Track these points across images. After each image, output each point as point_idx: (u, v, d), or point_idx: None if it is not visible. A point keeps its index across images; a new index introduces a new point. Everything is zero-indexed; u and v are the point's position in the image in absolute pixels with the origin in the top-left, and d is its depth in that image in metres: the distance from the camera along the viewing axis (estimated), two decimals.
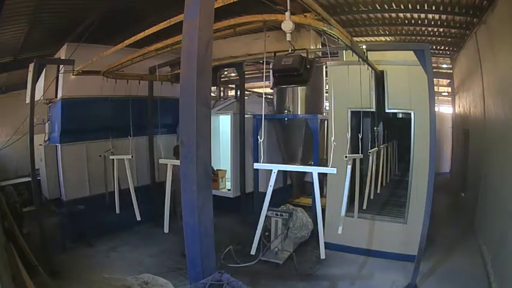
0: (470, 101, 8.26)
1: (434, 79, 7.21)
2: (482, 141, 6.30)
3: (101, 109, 5.74)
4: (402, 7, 6.30)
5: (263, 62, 9.93)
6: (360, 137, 4.62)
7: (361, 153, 4.87)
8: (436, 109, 12.43)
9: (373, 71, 5.20)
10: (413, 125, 5.25)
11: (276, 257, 5.32)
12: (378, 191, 6.09)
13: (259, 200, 7.01)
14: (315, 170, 2.87)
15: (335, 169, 2.95)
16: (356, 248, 5.57)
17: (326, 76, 6.79)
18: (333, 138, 3.48)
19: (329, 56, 5.29)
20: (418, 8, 6.27)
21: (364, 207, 5.36)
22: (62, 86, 6.11)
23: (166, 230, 3.94)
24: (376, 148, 5.30)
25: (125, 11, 6.03)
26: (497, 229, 4.55)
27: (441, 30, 7.60)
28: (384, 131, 6.54)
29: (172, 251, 5.77)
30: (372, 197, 5.69)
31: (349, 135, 5.36)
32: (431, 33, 7.88)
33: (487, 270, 4.72)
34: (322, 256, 3.45)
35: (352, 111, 5.59)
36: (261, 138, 3.06)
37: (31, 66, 5.25)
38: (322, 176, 7.19)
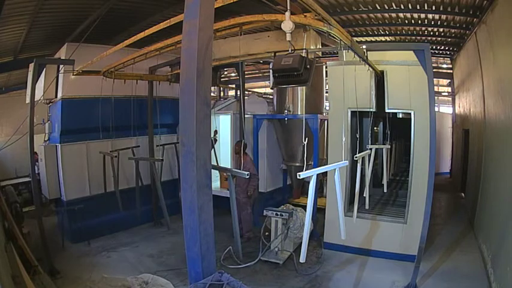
0: (470, 101, 8.27)
1: (434, 79, 7.20)
2: (482, 141, 6.30)
3: (101, 109, 5.74)
4: (402, 7, 6.31)
5: (263, 61, 9.97)
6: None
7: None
8: (436, 109, 12.48)
9: (373, 71, 5.20)
10: (413, 125, 5.24)
11: (276, 257, 5.32)
12: (366, 206, 5.83)
13: (259, 200, 7.02)
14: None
15: None
16: (356, 248, 5.57)
17: (326, 76, 6.79)
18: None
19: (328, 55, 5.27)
20: (418, 8, 6.27)
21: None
22: (62, 86, 6.12)
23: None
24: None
25: (125, 10, 6.03)
26: (497, 229, 4.55)
27: (441, 30, 7.60)
28: (388, 131, 6.53)
29: (172, 251, 5.77)
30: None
31: (349, 135, 5.38)
32: (431, 33, 7.89)
33: (487, 270, 4.72)
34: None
35: (352, 111, 5.59)
36: None
37: (31, 66, 5.25)
38: (322, 176, 7.23)
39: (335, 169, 3.45)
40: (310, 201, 3.09)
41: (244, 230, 6.20)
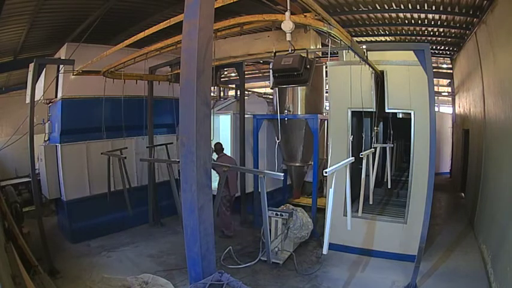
0: (470, 101, 8.27)
1: (434, 79, 7.20)
2: (482, 141, 6.30)
3: (101, 109, 5.75)
4: (402, 7, 6.30)
5: (263, 61, 9.96)
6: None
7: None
8: (436, 109, 12.47)
9: (373, 71, 5.20)
10: (413, 125, 5.25)
11: (276, 257, 5.32)
12: (370, 202, 5.96)
13: (259, 200, 7.02)
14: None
15: None
16: (356, 248, 5.57)
17: (326, 76, 6.80)
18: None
19: (329, 56, 5.27)
20: (418, 8, 6.27)
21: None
22: (62, 86, 6.12)
23: (325, 251, 3.50)
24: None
25: (125, 10, 6.03)
26: (497, 229, 4.55)
27: (441, 30, 7.60)
28: (390, 130, 6.60)
29: (172, 251, 5.77)
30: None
31: (349, 135, 5.39)
32: (431, 33, 7.89)
33: (487, 270, 4.73)
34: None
35: (352, 111, 5.59)
36: None
37: (31, 66, 5.25)
38: (322, 176, 7.21)
39: (346, 165, 3.88)
40: (330, 195, 3.42)
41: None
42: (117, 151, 5.99)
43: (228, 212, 6.43)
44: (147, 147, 6.90)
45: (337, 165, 3.56)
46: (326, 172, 3.25)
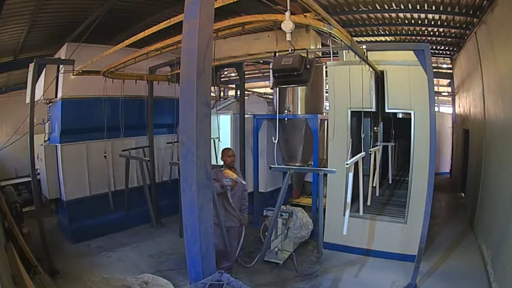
0: (470, 101, 8.27)
1: (434, 79, 7.20)
2: (482, 141, 6.30)
3: (101, 109, 5.74)
4: (402, 7, 6.30)
5: (263, 61, 9.97)
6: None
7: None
8: (436, 109, 12.47)
9: (373, 71, 5.20)
10: (413, 125, 5.25)
11: (276, 257, 5.32)
12: (377, 194, 6.19)
13: (259, 200, 7.03)
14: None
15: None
16: (356, 248, 5.57)
17: (326, 76, 6.80)
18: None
19: (331, 56, 5.27)
20: (418, 8, 6.27)
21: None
22: (62, 86, 6.12)
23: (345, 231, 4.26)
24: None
25: (125, 10, 6.03)
26: (497, 229, 4.55)
27: (441, 30, 7.60)
28: (392, 131, 6.73)
29: (172, 251, 5.77)
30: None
31: (349, 135, 5.41)
32: (431, 33, 7.88)
33: (487, 270, 4.73)
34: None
35: (352, 111, 5.59)
36: None
37: (31, 66, 5.25)
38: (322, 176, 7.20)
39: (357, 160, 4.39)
40: (350, 178, 3.97)
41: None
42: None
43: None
44: (122, 150, 6.36)
45: (354, 158, 4.16)
46: (347, 163, 3.69)
